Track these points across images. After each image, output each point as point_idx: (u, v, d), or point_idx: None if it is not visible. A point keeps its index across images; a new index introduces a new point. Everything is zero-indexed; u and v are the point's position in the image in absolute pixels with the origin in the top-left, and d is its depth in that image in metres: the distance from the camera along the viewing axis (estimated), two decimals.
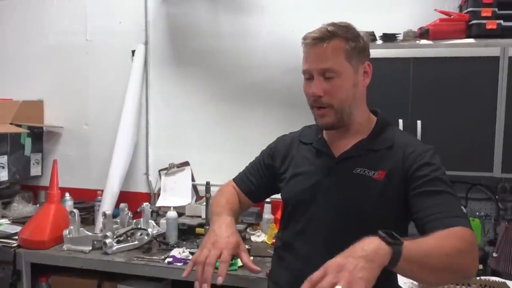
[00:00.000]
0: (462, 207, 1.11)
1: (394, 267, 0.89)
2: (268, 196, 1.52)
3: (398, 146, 1.22)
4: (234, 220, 1.27)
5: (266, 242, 2.27)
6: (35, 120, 2.83)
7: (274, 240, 2.11)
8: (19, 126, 2.65)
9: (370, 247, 0.88)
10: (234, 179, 1.50)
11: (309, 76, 1.22)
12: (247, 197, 1.45)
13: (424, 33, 2.02)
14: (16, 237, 2.21)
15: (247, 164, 1.51)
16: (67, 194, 2.50)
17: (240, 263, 1.91)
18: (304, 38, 1.22)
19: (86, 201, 2.70)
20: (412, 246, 0.92)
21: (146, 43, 2.72)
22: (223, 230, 1.17)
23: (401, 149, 1.21)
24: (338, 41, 1.19)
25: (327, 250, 1.19)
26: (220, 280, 1.05)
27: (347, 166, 1.24)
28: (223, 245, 1.11)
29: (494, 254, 1.91)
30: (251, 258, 1.94)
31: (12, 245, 2.16)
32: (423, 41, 2.02)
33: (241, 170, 1.51)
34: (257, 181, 1.45)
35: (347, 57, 1.19)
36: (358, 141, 1.26)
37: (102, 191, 2.52)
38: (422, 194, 1.14)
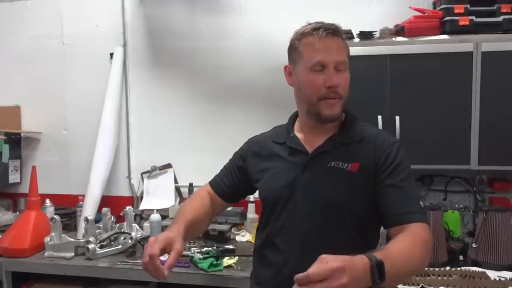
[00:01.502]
0: (420, 202, 1.23)
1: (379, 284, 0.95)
2: (243, 197, 1.55)
3: (368, 139, 1.28)
4: (188, 228, 1.29)
5: (251, 241, 2.27)
6: (12, 126, 2.78)
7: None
8: None
9: (359, 265, 0.92)
10: (210, 182, 1.53)
11: (321, 68, 1.24)
12: (221, 198, 1.48)
13: (399, 30, 2.05)
14: None
15: (223, 165, 1.53)
16: (47, 200, 2.46)
17: (225, 264, 1.92)
18: (314, 29, 1.24)
19: (67, 207, 2.67)
20: (388, 269, 0.96)
21: (124, 46, 2.69)
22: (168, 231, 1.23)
23: (371, 142, 1.27)
24: (343, 41, 1.27)
25: (308, 244, 1.23)
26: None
27: (322, 161, 1.27)
28: (153, 239, 1.17)
29: (474, 245, 1.96)
30: (236, 258, 1.98)
31: None
32: (399, 38, 2.06)
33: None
34: (230, 183, 1.47)
35: (347, 54, 1.28)
36: (330, 136, 1.30)
37: (84, 196, 2.49)
38: (387, 188, 1.21)
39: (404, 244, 1.07)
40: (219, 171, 1.54)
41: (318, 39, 1.24)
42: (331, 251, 1.21)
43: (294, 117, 1.42)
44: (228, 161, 1.53)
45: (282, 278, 1.24)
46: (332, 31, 1.24)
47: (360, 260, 0.92)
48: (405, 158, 1.25)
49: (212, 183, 1.51)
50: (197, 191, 1.54)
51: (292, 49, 1.30)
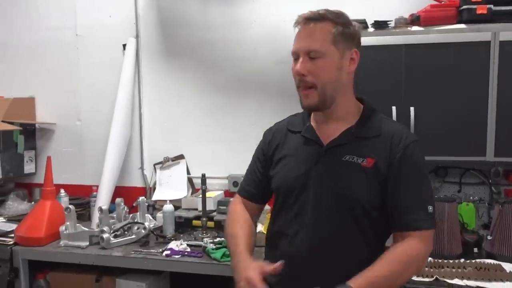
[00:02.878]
0: (430, 207, 1.22)
1: None
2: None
3: (385, 135, 1.26)
4: (248, 242, 1.33)
5: (263, 232, 2.27)
6: (27, 117, 2.81)
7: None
8: (11, 123, 2.63)
9: None
10: (237, 191, 1.52)
11: (296, 57, 1.24)
12: (254, 202, 1.47)
13: (415, 20, 2.02)
14: (12, 235, 2.19)
15: (246, 170, 1.52)
16: (62, 190, 2.49)
17: None
18: (296, 19, 1.26)
19: (81, 197, 2.69)
20: (361, 283, 1.10)
21: (137, 37, 2.70)
22: (244, 266, 1.24)
23: (388, 138, 1.25)
24: (326, 23, 1.22)
25: (319, 236, 1.23)
26: None
27: (336, 154, 1.26)
28: (251, 273, 1.19)
29: (489, 237, 1.93)
30: None
31: (9, 243, 2.14)
32: (415, 28, 2.02)
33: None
34: (257, 184, 1.45)
35: (333, 41, 1.22)
36: (346, 129, 1.28)
37: (97, 186, 2.51)
38: (397, 190, 1.22)
39: (386, 262, 1.17)
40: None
41: (297, 29, 1.26)
42: (341, 244, 1.22)
43: None
44: (249, 163, 1.51)
45: (293, 269, 1.25)
46: (310, 18, 1.23)
47: None
48: (420, 159, 1.24)
49: (241, 191, 1.49)
50: (230, 210, 1.49)
51: None
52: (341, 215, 1.23)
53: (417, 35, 2.04)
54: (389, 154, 1.22)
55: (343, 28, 1.23)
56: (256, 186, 1.45)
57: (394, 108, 2.02)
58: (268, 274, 1.18)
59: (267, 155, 1.42)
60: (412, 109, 2.00)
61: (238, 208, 1.46)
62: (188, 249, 1.99)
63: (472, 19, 1.93)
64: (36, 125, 2.86)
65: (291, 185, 1.30)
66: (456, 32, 2.00)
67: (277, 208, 1.36)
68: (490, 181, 2.24)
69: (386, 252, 1.21)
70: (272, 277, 1.33)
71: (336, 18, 1.23)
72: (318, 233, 1.24)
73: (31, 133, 2.84)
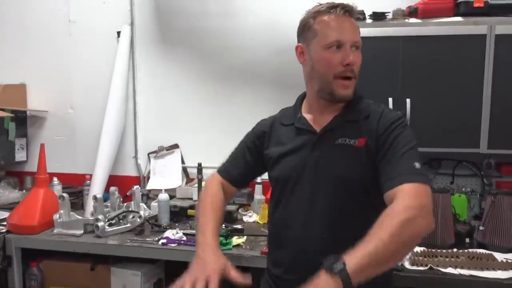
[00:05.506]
0: (416, 163, 1.15)
1: (351, 287, 0.95)
2: (253, 180, 1.56)
3: (374, 114, 1.28)
4: (218, 226, 1.33)
5: (258, 222, 2.29)
6: (18, 104, 2.76)
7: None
8: (2, 110, 2.58)
9: (322, 284, 0.95)
10: (218, 170, 1.51)
11: (337, 47, 1.24)
12: (233, 185, 1.48)
13: (413, 12, 2.03)
14: (5, 223, 2.17)
15: (230, 153, 1.52)
16: (55, 179, 2.47)
17: (234, 243, 1.93)
18: (331, 7, 1.25)
19: (74, 186, 2.67)
20: (355, 258, 0.97)
21: (131, 24, 2.66)
22: (209, 256, 1.20)
23: (376, 117, 1.27)
24: (354, 18, 1.27)
25: (322, 221, 1.24)
26: None
27: (329, 138, 1.28)
28: (211, 270, 1.14)
29: (481, 228, 1.97)
30: (245, 237, 1.99)
31: (1, 231, 2.12)
32: (412, 20, 2.04)
33: (228, 154, 1.53)
34: (241, 169, 1.47)
35: (359, 35, 1.28)
36: (336, 115, 1.31)
37: (91, 175, 2.49)
38: (386, 157, 1.20)
39: (374, 227, 1.03)
40: (227, 151, 1.53)
41: (334, 18, 1.24)
42: (345, 226, 1.23)
43: (302, 98, 1.43)
44: (235, 148, 1.51)
45: (298, 256, 1.27)
46: (349, 10, 1.25)
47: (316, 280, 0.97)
48: (406, 129, 1.24)
49: (223, 172, 1.49)
50: (208, 184, 1.50)
51: (306, 27, 1.30)
52: (341, 198, 1.24)
53: (415, 27, 2.06)
54: (377, 128, 1.24)
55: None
56: (240, 171, 1.47)
57: (390, 99, 2.04)
58: (229, 277, 1.16)
59: (258, 146, 1.43)
60: (408, 100, 2.02)
61: (215, 186, 1.46)
62: (184, 238, 1.99)
63: (469, 12, 1.96)
64: (28, 113, 2.82)
65: (288, 174, 1.31)
66: (453, 25, 2.02)
67: (275, 200, 1.37)
68: (482, 173, 2.28)
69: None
70: (276, 268, 1.35)
71: (356, 13, 1.28)
72: (320, 219, 1.25)
73: (23, 121, 2.79)
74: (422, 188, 1.10)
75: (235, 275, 1.15)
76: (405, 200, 1.07)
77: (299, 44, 1.34)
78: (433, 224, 1.09)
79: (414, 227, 1.03)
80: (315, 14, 1.27)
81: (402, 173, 1.13)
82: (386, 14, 2.06)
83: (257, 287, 1.46)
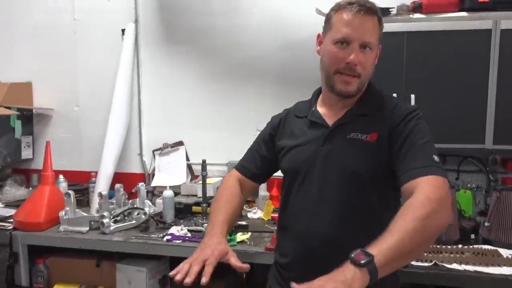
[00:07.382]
0: (435, 156, 1.15)
1: (377, 279, 0.94)
2: (271, 175, 1.55)
3: (387, 108, 1.28)
4: (229, 224, 1.34)
5: (262, 218, 2.29)
6: (24, 102, 2.78)
7: (273, 215, 2.15)
8: (8, 108, 2.60)
9: (349, 275, 0.92)
10: (236, 167, 1.54)
11: (345, 43, 1.24)
12: (252, 181, 1.51)
13: (417, 7, 2.02)
14: (11, 220, 2.18)
15: (247, 149, 1.55)
16: (61, 176, 2.48)
17: (239, 239, 1.94)
18: (349, 3, 1.24)
19: (80, 183, 2.68)
20: (381, 250, 0.96)
21: (136, 22, 2.67)
22: (212, 241, 1.23)
23: (390, 110, 1.27)
24: (374, 17, 1.25)
25: (331, 214, 1.24)
26: (203, 281, 1.09)
27: (341, 133, 1.29)
28: (210, 251, 1.17)
29: (486, 224, 1.96)
30: (249, 234, 2.00)
31: (8, 228, 2.14)
32: (417, 15, 2.02)
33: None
34: (258, 163, 1.49)
35: (379, 37, 1.27)
36: (349, 109, 1.32)
37: (96, 172, 2.51)
38: (401, 149, 1.19)
39: (396, 217, 1.02)
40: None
41: (350, 14, 1.23)
42: (352, 220, 1.23)
43: (318, 92, 1.44)
44: (252, 143, 1.54)
45: (305, 247, 1.27)
46: (366, 8, 1.23)
47: (344, 266, 0.95)
48: (422, 121, 1.24)
49: (240, 168, 1.52)
50: (224, 180, 1.54)
51: (327, 19, 1.31)
52: (351, 192, 1.25)
53: (419, 23, 2.05)
54: (391, 122, 1.24)
55: (381, 25, 1.27)
56: (257, 165, 1.49)
57: (395, 95, 2.02)
58: (227, 262, 1.18)
59: (274, 138, 1.45)
60: (412, 96, 2.02)
61: (231, 182, 1.49)
62: (189, 234, 2.00)
63: (474, 7, 1.94)
64: (34, 111, 2.84)
65: (299, 167, 1.32)
66: (457, 20, 2.01)
67: (286, 189, 1.38)
68: (487, 169, 2.27)
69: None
70: (283, 258, 1.36)
71: (379, 14, 1.26)
72: (328, 212, 1.25)
73: (29, 119, 2.81)
74: (442, 181, 1.11)
75: (234, 261, 1.17)
76: (427, 192, 1.06)
77: (320, 33, 1.36)
78: (452, 217, 1.10)
79: (437, 220, 1.03)
80: (337, 7, 1.27)
81: (422, 165, 1.13)
82: (390, 10, 2.04)
83: (263, 282, 1.47)
